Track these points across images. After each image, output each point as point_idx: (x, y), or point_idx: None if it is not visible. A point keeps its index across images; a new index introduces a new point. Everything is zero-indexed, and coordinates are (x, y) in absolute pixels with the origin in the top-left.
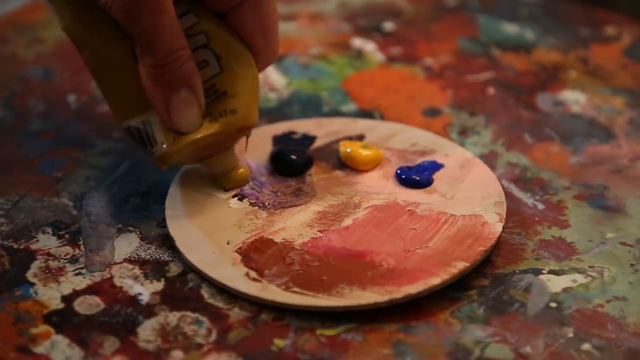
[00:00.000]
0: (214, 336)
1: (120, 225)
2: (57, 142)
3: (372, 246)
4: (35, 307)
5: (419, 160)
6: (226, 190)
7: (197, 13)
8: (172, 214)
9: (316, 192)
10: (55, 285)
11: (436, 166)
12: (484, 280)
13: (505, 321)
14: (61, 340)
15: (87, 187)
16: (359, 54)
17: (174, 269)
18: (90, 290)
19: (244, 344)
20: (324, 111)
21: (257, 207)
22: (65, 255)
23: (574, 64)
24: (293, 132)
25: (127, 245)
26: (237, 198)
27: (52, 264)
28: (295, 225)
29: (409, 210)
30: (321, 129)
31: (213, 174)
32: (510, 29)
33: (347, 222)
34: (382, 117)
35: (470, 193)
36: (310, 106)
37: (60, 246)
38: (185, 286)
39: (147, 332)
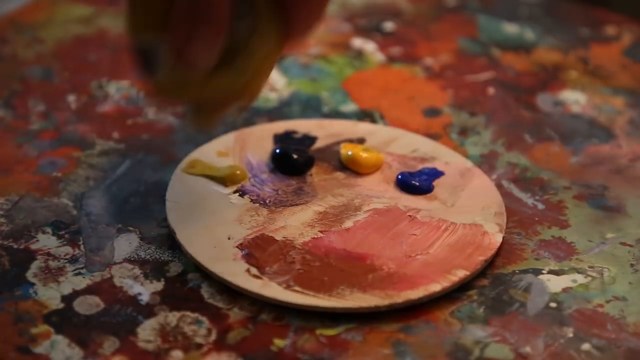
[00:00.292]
0: (213, 336)
1: (120, 225)
2: (57, 142)
3: (372, 249)
4: (35, 307)
5: (420, 166)
6: (226, 186)
7: None
8: (173, 207)
9: (317, 192)
10: (55, 285)
11: (437, 173)
12: (484, 280)
13: (505, 321)
14: (61, 340)
15: (87, 187)
16: (359, 54)
17: (174, 269)
18: (90, 290)
19: (244, 344)
20: (324, 111)
21: (258, 204)
22: (65, 255)
23: (574, 64)
24: (294, 132)
25: (127, 245)
26: (238, 194)
27: (52, 264)
28: (296, 224)
29: (410, 215)
30: (322, 130)
31: (192, 120)
32: (510, 29)
33: (348, 224)
34: (382, 117)
35: (471, 202)
36: (310, 106)
37: (60, 246)
38: (185, 286)
39: (147, 332)
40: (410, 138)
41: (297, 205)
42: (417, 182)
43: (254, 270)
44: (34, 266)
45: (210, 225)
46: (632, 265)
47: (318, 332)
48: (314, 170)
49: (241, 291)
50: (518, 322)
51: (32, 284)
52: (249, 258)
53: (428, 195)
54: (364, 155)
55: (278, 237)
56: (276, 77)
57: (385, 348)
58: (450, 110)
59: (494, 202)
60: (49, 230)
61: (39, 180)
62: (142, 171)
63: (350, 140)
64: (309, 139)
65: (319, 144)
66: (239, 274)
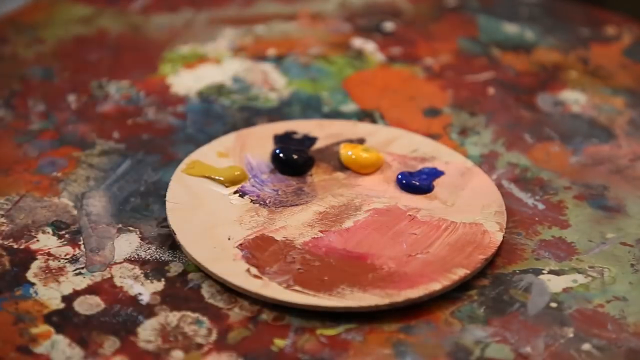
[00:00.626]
0: (214, 336)
1: (120, 225)
2: (57, 142)
3: (372, 249)
4: (36, 307)
5: (420, 166)
6: (226, 187)
7: None
8: (173, 207)
9: (317, 192)
10: (56, 285)
11: (436, 173)
12: (484, 280)
13: (506, 321)
14: (61, 340)
15: (87, 187)
16: (359, 54)
17: (174, 269)
18: (90, 290)
19: (244, 344)
20: (324, 111)
21: (258, 205)
22: (65, 255)
23: (574, 64)
24: (294, 132)
25: (127, 245)
26: (238, 194)
27: (52, 264)
28: (296, 224)
29: (410, 215)
30: (322, 131)
31: None
32: (510, 29)
33: (348, 223)
34: (382, 117)
35: (471, 201)
36: (310, 106)
37: (60, 246)
38: (185, 286)
39: (147, 332)
40: (410, 138)
41: (297, 205)
42: (417, 182)
43: (254, 270)
44: (34, 266)
45: (210, 225)
46: (632, 265)
47: (318, 332)
48: (314, 170)
49: (241, 291)
50: (518, 322)
51: (33, 284)
52: (249, 258)
53: (428, 194)
54: (364, 155)
55: (278, 237)
56: (276, 77)
57: (385, 348)
58: (450, 110)
59: (494, 201)
60: (49, 230)
61: (39, 180)
62: (142, 171)
63: (350, 141)
64: (309, 140)
65: (319, 144)
66: (239, 274)
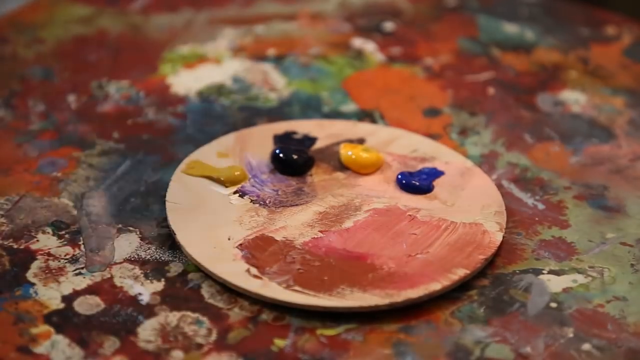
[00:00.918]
0: (214, 336)
1: (120, 225)
2: (57, 142)
3: (372, 249)
4: (36, 307)
5: (420, 166)
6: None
7: None
8: (173, 208)
9: (317, 192)
10: (56, 285)
11: (436, 173)
12: (485, 280)
13: (506, 321)
14: (61, 340)
15: (87, 187)
16: (359, 54)
17: (174, 269)
18: (90, 290)
19: (244, 344)
20: (324, 111)
21: (258, 205)
22: (65, 255)
23: (574, 64)
24: (294, 132)
25: (127, 245)
26: (238, 195)
27: (52, 264)
28: (296, 224)
29: (410, 215)
30: (322, 131)
31: None
32: (510, 29)
33: (348, 223)
34: (382, 117)
35: (471, 201)
36: (310, 106)
37: (60, 246)
38: (185, 286)
39: (147, 332)
40: (410, 138)
41: (297, 205)
42: (417, 182)
43: (254, 270)
44: (34, 266)
45: (210, 225)
46: (632, 265)
47: (318, 332)
48: (314, 170)
49: (241, 291)
50: (518, 322)
51: (33, 284)
52: (249, 258)
53: (428, 194)
54: (364, 155)
55: (278, 238)
56: (276, 77)
57: (385, 348)
58: (450, 110)
59: (494, 201)
60: (49, 230)
61: (39, 180)
62: (142, 171)
63: (350, 141)
64: (309, 140)
65: (319, 145)
66: (239, 274)
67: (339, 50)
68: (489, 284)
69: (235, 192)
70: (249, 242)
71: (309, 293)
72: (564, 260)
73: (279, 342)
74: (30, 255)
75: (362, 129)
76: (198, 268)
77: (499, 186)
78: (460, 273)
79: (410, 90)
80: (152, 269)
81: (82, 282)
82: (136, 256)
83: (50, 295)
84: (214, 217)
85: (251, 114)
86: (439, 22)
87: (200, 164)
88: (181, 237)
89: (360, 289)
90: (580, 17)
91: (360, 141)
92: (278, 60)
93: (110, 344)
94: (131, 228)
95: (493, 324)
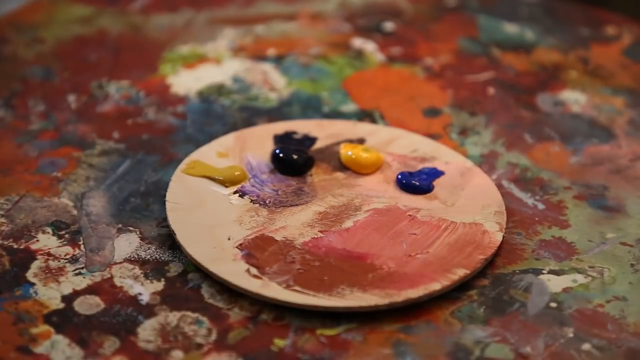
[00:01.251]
0: (214, 336)
1: (120, 225)
2: (57, 142)
3: (372, 249)
4: (35, 307)
5: (420, 166)
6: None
7: None
8: (173, 208)
9: (317, 192)
10: (55, 285)
11: (436, 173)
12: (484, 280)
13: (505, 321)
14: (61, 340)
15: (87, 187)
16: (359, 54)
17: (174, 269)
18: (90, 290)
19: (244, 344)
20: (324, 111)
21: (258, 205)
22: (65, 255)
23: (574, 64)
24: (294, 132)
25: (127, 245)
26: (238, 194)
27: (52, 264)
28: (296, 224)
29: (410, 215)
30: (322, 131)
31: None
32: (510, 29)
33: (348, 223)
34: (382, 117)
35: (471, 201)
36: (310, 106)
37: (60, 246)
38: (185, 286)
39: (147, 332)
40: (410, 138)
41: (297, 205)
42: (417, 182)
43: (254, 270)
44: (34, 266)
45: (210, 225)
46: (632, 265)
47: (318, 332)
48: (314, 170)
49: (241, 291)
50: (518, 322)
51: (32, 284)
52: (249, 258)
53: (428, 194)
54: (364, 155)
55: (278, 237)
56: (276, 77)
57: (385, 348)
58: (450, 110)
59: (494, 201)
60: (49, 230)
61: (39, 180)
62: (142, 171)
63: (350, 141)
64: (309, 140)
65: (319, 145)
66: (239, 274)
67: (339, 50)
68: (489, 284)
69: (235, 192)
70: (249, 242)
71: (309, 293)
72: (564, 260)
73: (279, 342)
74: (30, 255)
75: (362, 129)
76: (198, 268)
77: (499, 186)
78: (460, 273)
79: (410, 90)
80: (152, 269)
81: (82, 282)
82: (136, 256)
83: (50, 295)
84: (214, 217)
85: (251, 114)
86: (439, 22)
87: (200, 164)
88: (181, 237)
89: (360, 288)
90: (580, 17)
91: (360, 141)
92: (278, 60)
93: (110, 344)
94: (131, 228)
95: (493, 324)
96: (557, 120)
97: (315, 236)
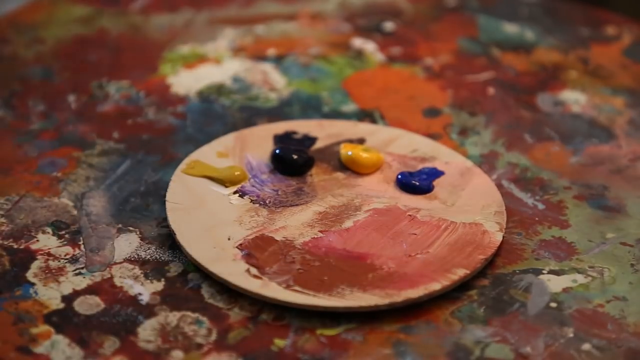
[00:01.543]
0: (214, 336)
1: (120, 225)
2: (57, 142)
3: (372, 249)
4: (35, 307)
5: (420, 166)
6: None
7: None
8: (173, 208)
9: (317, 192)
10: (55, 285)
11: (436, 173)
12: (485, 280)
13: (506, 321)
14: (61, 340)
15: (87, 187)
16: (359, 54)
17: (174, 269)
18: (90, 290)
19: (244, 344)
20: (324, 111)
21: (257, 205)
22: (65, 255)
23: (574, 64)
24: (294, 132)
25: (127, 245)
26: (238, 195)
27: (52, 264)
28: (296, 224)
29: (410, 215)
30: (322, 131)
31: None
32: (510, 29)
33: (348, 223)
34: (382, 117)
35: (471, 201)
36: (310, 106)
37: (60, 246)
38: (185, 286)
39: (147, 332)
40: (410, 138)
41: (297, 205)
42: (417, 182)
43: (254, 270)
44: (34, 266)
45: (210, 225)
46: (632, 265)
47: (318, 332)
48: (314, 170)
49: (241, 291)
50: (518, 322)
51: (33, 284)
52: (249, 258)
53: (428, 194)
54: (364, 155)
55: (278, 237)
56: (276, 77)
57: (385, 348)
58: (450, 110)
59: (494, 201)
60: (49, 230)
61: (39, 180)
62: (142, 171)
63: (350, 140)
64: (309, 140)
65: (319, 144)
66: (239, 274)
67: (339, 50)
68: (489, 284)
69: (235, 192)
70: (249, 242)
71: (309, 293)
72: (564, 260)
73: (279, 342)
74: (30, 255)
75: (362, 129)
76: (198, 268)
77: (499, 186)
78: (460, 273)
79: (410, 90)
80: (152, 269)
81: (82, 282)
82: (136, 256)
83: (50, 295)
84: (214, 217)
85: (251, 114)
86: (439, 22)
87: (200, 164)
88: (181, 237)
89: (360, 289)
90: (580, 17)
91: (360, 141)
92: (278, 60)
93: (110, 344)
94: (131, 228)
95: (493, 324)
96: (557, 120)
97: (315, 236)
